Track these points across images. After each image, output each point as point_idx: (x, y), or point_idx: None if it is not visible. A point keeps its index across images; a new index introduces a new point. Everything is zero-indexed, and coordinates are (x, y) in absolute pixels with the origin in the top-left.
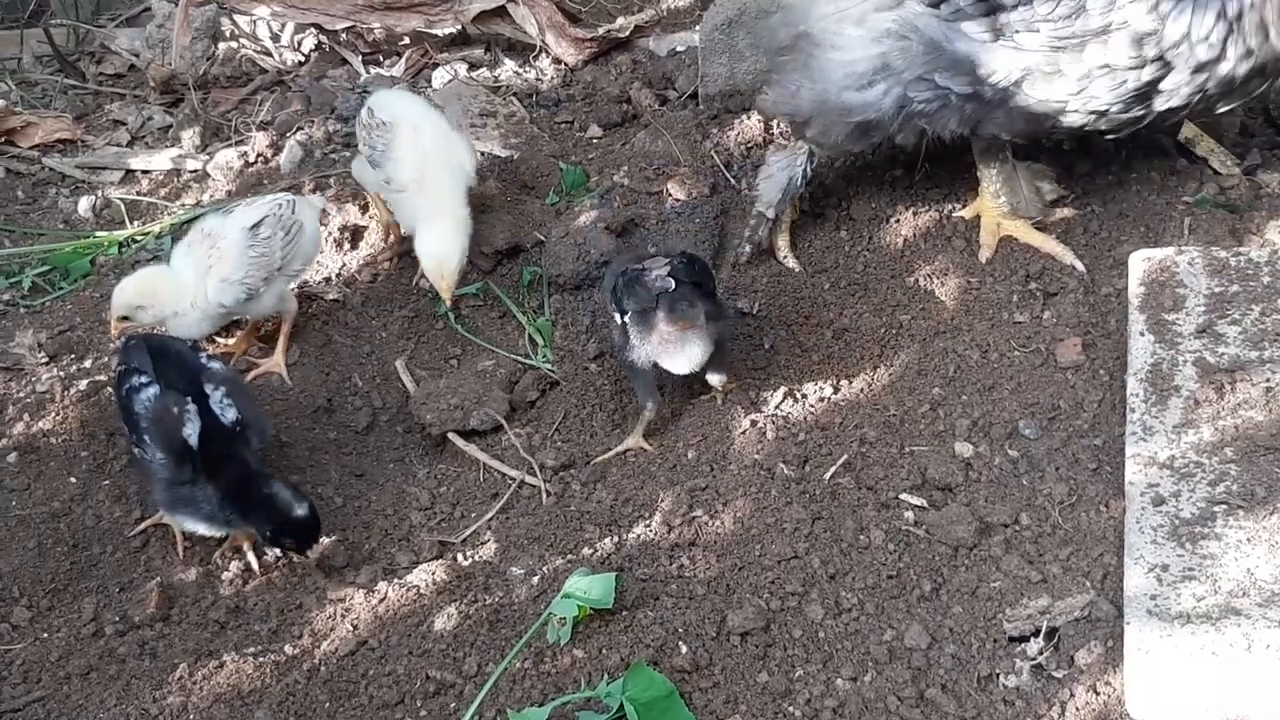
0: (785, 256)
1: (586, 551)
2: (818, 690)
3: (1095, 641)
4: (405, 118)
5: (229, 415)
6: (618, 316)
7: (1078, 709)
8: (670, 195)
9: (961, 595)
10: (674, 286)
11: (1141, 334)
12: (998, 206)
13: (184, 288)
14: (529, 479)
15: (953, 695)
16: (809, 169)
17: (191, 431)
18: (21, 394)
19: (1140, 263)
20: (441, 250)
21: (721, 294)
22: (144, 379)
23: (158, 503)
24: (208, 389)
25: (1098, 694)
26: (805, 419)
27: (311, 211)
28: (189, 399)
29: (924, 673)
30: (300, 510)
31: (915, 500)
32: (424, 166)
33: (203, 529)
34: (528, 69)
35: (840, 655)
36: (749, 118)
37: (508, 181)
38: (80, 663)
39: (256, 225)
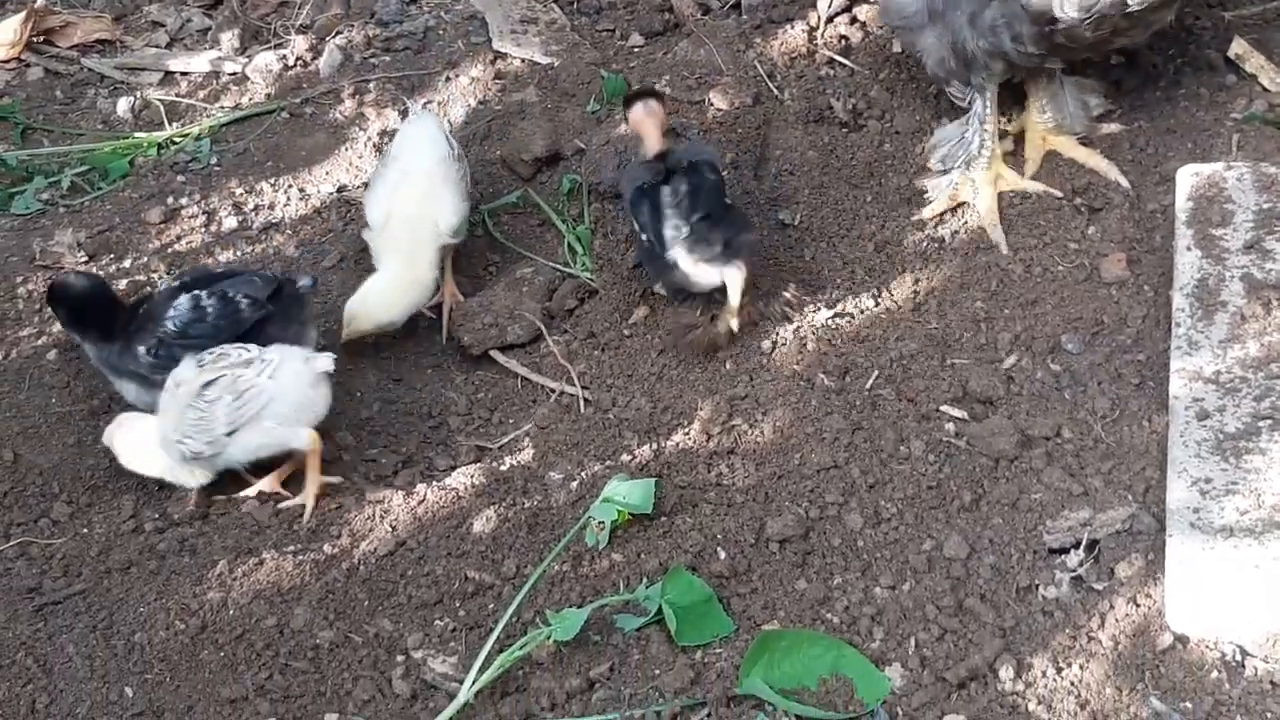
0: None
1: (625, 458)
2: (856, 598)
3: (1136, 554)
4: (402, 155)
5: None
6: (638, 229)
7: (1117, 620)
8: (712, 104)
9: (1001, 507)
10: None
11: (1188, 249)
12: (1043, 121)
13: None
14: (567, 388)
15: (991, 605)
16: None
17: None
18: None
19: (1188, 178)
20: (369, 303)
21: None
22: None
23: None
24: None
25: (1138, 606)
26: (846, 331)
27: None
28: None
29: (963, 582)
30: None
31: (956, 412)
32: (391, 214)
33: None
34: None
35: (879, 564)
36: (792, 27)
37: (547, 89)
38: (120, 557)
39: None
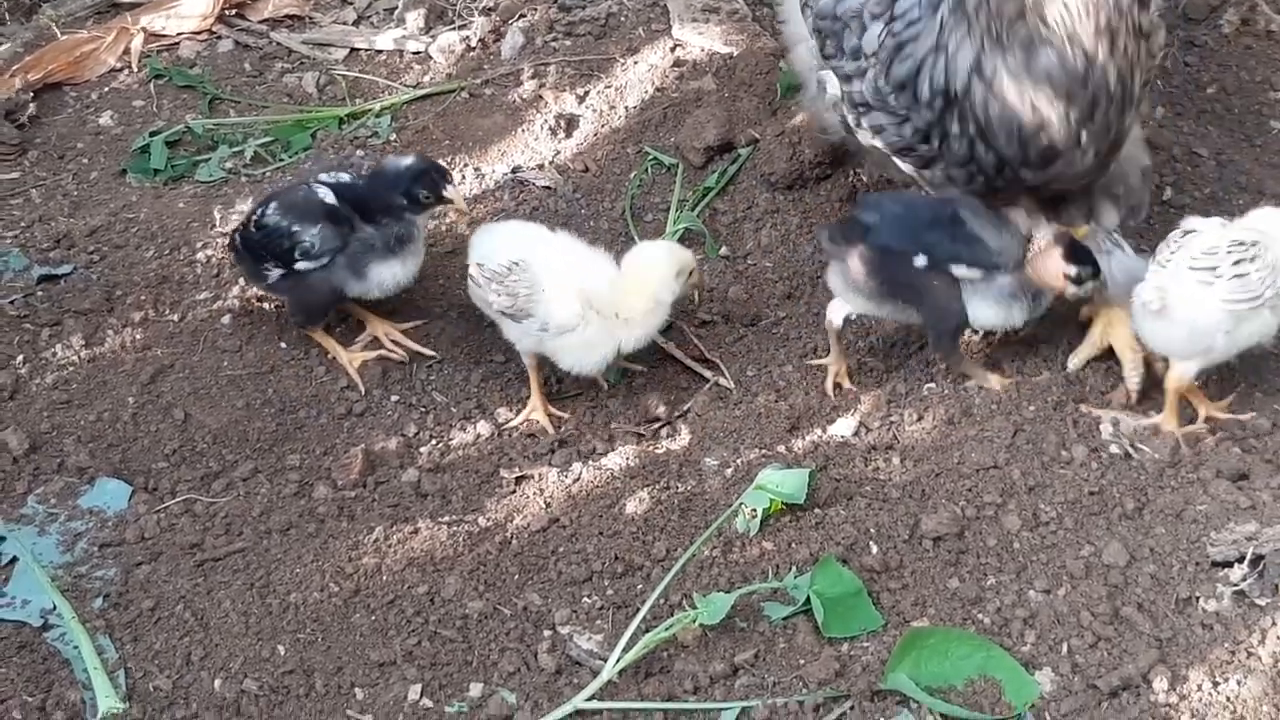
0: None
1: (781, 448)
2: (1009, 600)
3: None
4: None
5: None
6: None
7: (1279, 637)
8: None
9: (1165, 516)
10: None
11: None
12: None
13: None
14: (721, 381)
15: (1149, 615)
16: None
17: None
18: None
19: None
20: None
21: None
22: None
23: None
24: None
25: None
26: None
27: None
28: None
29: (1120, 590)
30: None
31: (1123, 418)
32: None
33: None
34: None
35: (1035, 567)
36: None
37: (725, 78)
38: (281, 519)
39: None
